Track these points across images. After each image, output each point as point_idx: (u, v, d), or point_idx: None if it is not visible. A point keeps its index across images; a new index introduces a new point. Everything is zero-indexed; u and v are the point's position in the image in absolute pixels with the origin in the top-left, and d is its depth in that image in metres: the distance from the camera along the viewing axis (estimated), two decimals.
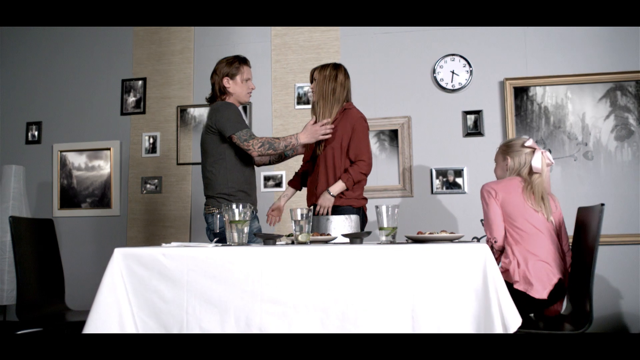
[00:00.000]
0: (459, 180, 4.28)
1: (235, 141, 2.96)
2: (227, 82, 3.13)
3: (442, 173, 4.31)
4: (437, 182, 4.31)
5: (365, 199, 3.21)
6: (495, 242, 2.51)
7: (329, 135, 3.01)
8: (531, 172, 2.53)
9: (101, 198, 4.85)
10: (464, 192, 4.27)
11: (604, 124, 4.09)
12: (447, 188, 4.30)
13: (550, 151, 4.12)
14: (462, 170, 4.28)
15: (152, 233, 4.73)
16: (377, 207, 2.19)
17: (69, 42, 5.06)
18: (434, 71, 4.41)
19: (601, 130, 4.09)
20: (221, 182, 3.02)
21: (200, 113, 4.73)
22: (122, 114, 4.89)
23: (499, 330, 1.73)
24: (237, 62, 3.15)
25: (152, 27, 4.91)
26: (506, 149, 2.67)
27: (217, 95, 3.16)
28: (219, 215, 2.68)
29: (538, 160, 2.50)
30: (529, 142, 2.58)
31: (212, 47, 4.79)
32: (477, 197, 4.20)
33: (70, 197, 4.90)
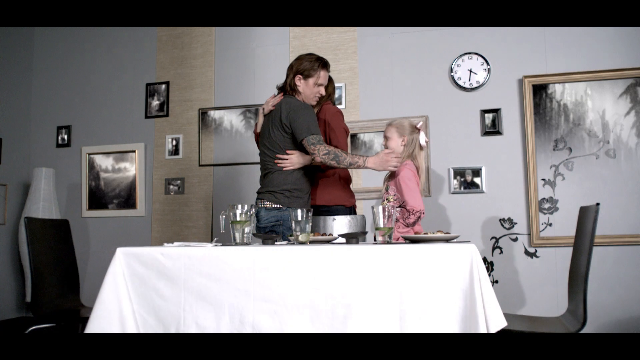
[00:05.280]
0: (477, 179, 4.24)
1: (304, 144, 2.92)
2: (298, 81, 3.05)
3: (460, 173, 4.28)
4: (454, 182, 4.28)
5: (354, 198, 3.27)
6: (423, 213, 2.88)
7: (396, 168, 2.92)
8: (419, 148, 3.01)
9: (127, 199, 4.99)
10: (482, 192, 4.23)
11: (624, 120, 3.99)
12: (465, 188, 4.26)
13: (570, 149, 4.05)
14: (480, 169, 4.24)
15: (175, 233, 4.85)
16: (373, 207, 2.21)
17: (96, 49, 5.24)
18: (451, 70, 4.38)
19: (622, 127, 3.99)
20: (285, 179, 2.98)
21: (221, 115, 4.82)
22: (147, 117, 5.03)
23: (482, 330, 1.73)
24: (317, 65, 3.06)
25: (175, 32, 5.03)
26: (402, 129, 3.01)
27: (287, 89, 3.09)
28: (224, 216, 2.71)
29: (423, 138, 3.00)
30: (419, 124, 3.02)
31: (232, 50, 4.88)
32: (497, 197, 4.18)
33: (98, 198, 5.06)
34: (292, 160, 3.00)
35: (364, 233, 2.29)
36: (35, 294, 2.65)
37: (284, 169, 2.99)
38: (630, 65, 4.01)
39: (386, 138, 3.04)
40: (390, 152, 2.89)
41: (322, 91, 3.10)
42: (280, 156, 2.99)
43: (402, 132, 3.00)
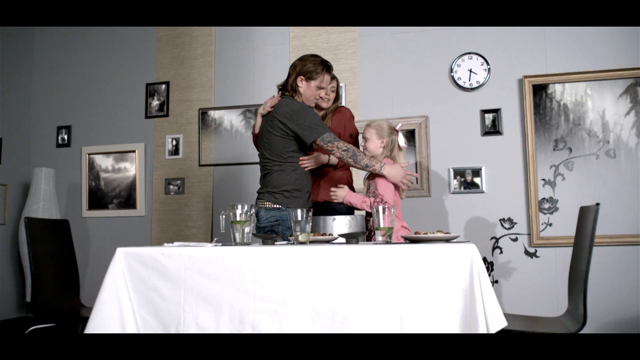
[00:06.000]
0: (477, 179, 4.24)
1: (319, 143, 2.90)
2: (300, 82, 3.03)
3: (460, 173, 4.28)
4: (454, 182, 4.28)
5: None
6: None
7: (406, 187, 2.92)
8: (398, 149, 2.99)
9: (127, 199, 5.00)
10: (482, 192, 4.23)
11: (624, 120, 3.99)
12: (465, 188, 4.26)
13: (570, 149, 4.05)
14: (480, 169, 4.24)
15: (175, 233, 4.85)
16: (372, 207, 2.20)
17: (96, 49, 5.24)
18: (451, 70, 4.38)
19: (622, 126, 3.99)
20: (284, 180, 2.98)
21: (221, 115, 4.82)
22: (147, 117, 5.03)
23: (482, 330, 1.73)
24: (321, 68, 3.04)
25: (175, 32, 5.03)
26: (380, 130, 2.98)
27: (288, 89, 3.07)
28: (224, 216, 2.71)
29: (402, 140, 2.99)
30: (398, 126, 2.98)
31: (232, 50, 4.88)
32: (497, 197, 4.18)
33: (98, 198, 5.06)
34: (313, 161, 3.08)
35: (364, 233, 2.29)
36: (35, 294, 2.66)
37: (306, 169, 3.03)
38: (630, 65, 4.01)
39: (365, 139, 3.00)
40: (405, 166, 2.91)
41: (323, 94, 3.12)
42: (304, 158, 3.02)
43: (381, 133, 2.96)
